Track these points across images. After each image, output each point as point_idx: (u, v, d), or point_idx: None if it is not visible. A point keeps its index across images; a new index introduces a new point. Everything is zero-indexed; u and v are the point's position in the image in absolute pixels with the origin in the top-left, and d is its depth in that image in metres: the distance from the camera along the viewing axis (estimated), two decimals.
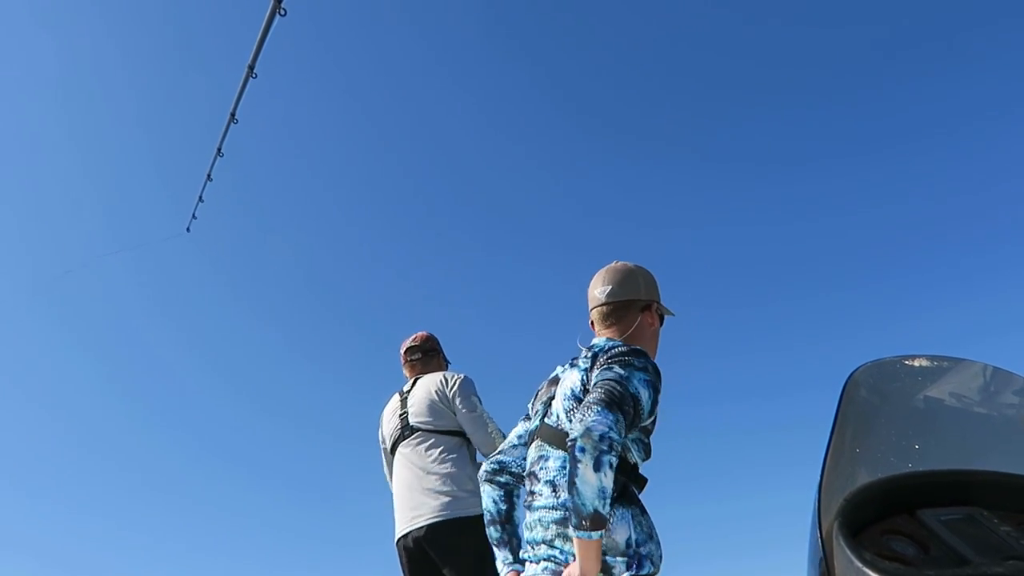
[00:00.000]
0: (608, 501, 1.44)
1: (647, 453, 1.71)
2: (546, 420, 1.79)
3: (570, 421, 1.69)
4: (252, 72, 3.11)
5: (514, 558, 1.82)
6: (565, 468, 1.64)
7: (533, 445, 1.80)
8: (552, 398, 1.83)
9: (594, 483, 1.43)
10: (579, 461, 1.43)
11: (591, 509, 1.43)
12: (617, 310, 1.91)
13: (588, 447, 1.43)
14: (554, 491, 1.67)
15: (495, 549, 1.89)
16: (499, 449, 1.96)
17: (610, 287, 1.93)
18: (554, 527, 1.64)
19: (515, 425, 1.99)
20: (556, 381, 1.87)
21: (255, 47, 2.96)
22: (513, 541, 1.85)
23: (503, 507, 1.90)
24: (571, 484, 1.45)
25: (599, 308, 1.93)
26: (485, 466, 1.95)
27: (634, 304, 1.92)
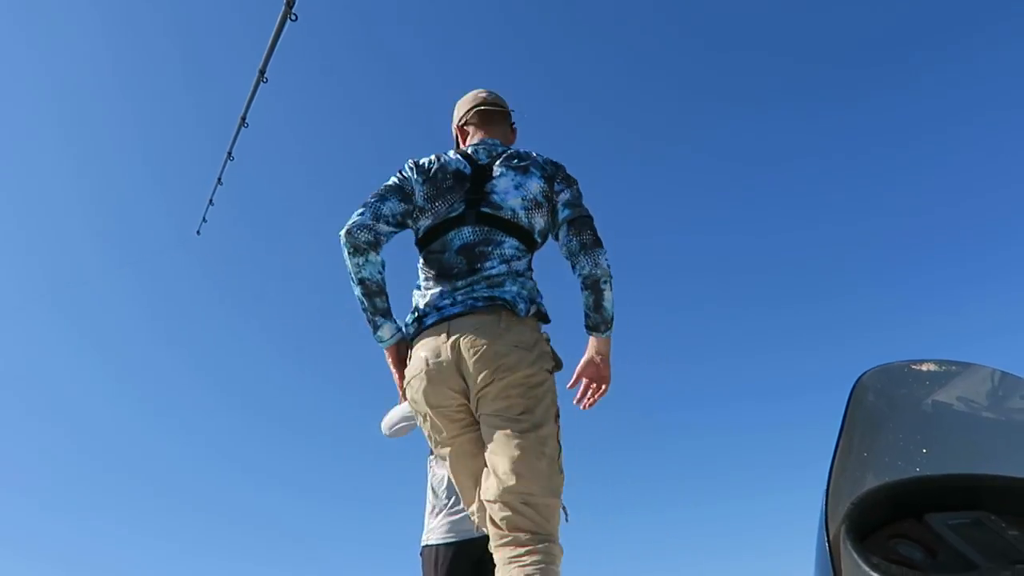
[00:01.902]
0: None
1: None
2: (483, 209, 2.04)
3: (529, 221, 2.07)
4: (263, 77, 3.13)
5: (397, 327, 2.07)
6: (519, 252, 2.04)
7: (471, 228, 2.03)
8: (474, 193, 2.06)
9: (612, 299, 2.03)
10: (604, 290, 2.02)
11: (611, 316, 2.04)
12: (503, 115, 2.31)
13: (608, 280, 2.02)
14: (508, 265, 2.00)
15: (383, 320, 2.04)
16: (379, 215, 2.04)
17: (495, 95, 2.32)
18: (504, 280, 1.97)
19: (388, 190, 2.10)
20: (461, 176, 2.10)
21: (266, 52, 2.98)
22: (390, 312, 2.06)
23: (384, 277, 2.06)
24: (599, 306, 2.02)
25: (489, 108, 2.28)
26: (365, 232, 1.99)
27: (509, 116, 2.35)
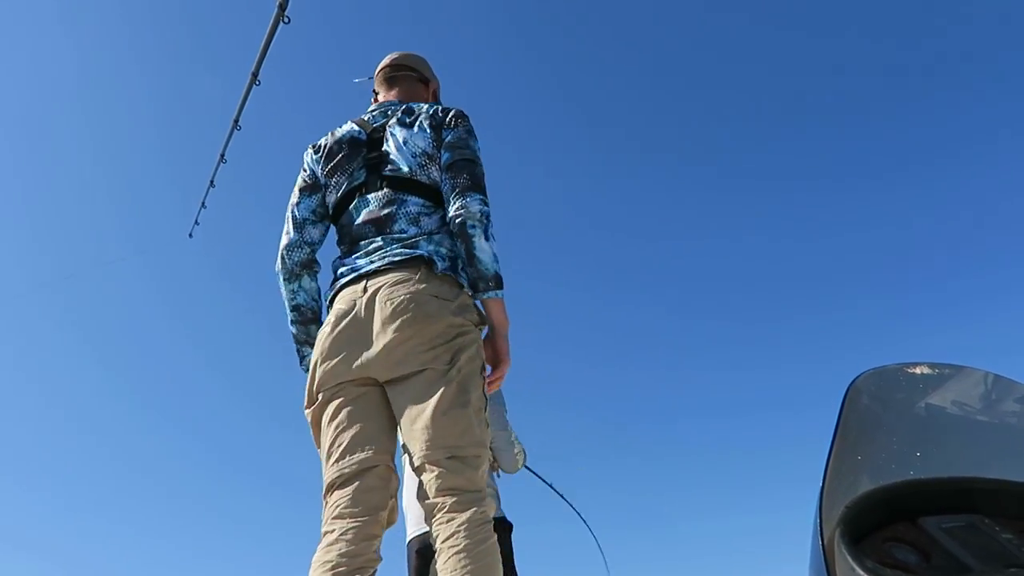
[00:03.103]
0: (499, 264, 1.78)
1: None
2: (386, 172, 1.93)
3: (428, 175, 1.91)
4: (256, 79, 3.12)
5: None
6: (425, 209, 1.89)
7: (374, 194, 1.92)
8: (372, 158, 1.97)
9: (489, 251, 1.78)
10: (473, 236, 1.77)
11: (493, 271, 1.78)
12: (407, 73, 2.19)
13: (480, 224, 1.77)
14: (417, 225, 1.86)
15: (303, 348, 1.98)
16: (301, 223, 2.01)
17: (403, 55, 2.21)
18: (419, 241, 1.83)
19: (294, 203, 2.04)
20: (356, 143, 2.01)
21: (259, 54, 2.97)
22: None
23: (320, 304, 1.98)
24: (471, 256, 1.78)
25: (389, 69, 2.19)
26: (297, 250, 1.97)
27: (418, 73, 2.20)
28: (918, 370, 1.11)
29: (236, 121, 3.44)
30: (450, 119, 1.96)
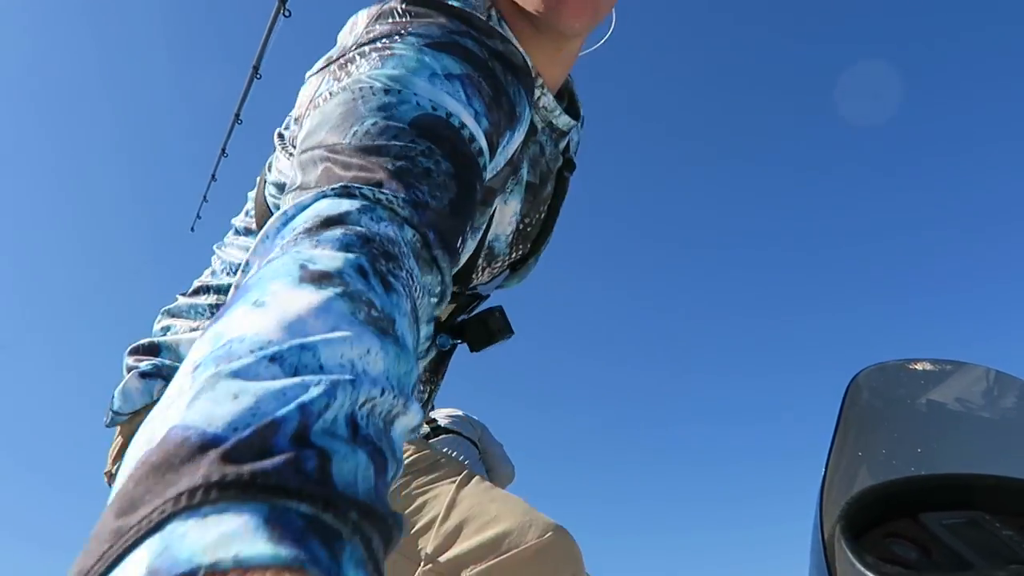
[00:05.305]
0: None
1: None
2: None
3: None
4: (257, 73, 3.11)
5: None
6: None
7: None
8: None
9: None
10: None
11: None
12: None
13: None
14: None
15: None
16: None
17: None
18: None
19: None
20: None
21: (259, 48, 2.96)
22: None
23: None
24: None
25: None
26: None
27: None
28: (919, 366, 1.11)
29: (237, 115, 3.44)
30: None
